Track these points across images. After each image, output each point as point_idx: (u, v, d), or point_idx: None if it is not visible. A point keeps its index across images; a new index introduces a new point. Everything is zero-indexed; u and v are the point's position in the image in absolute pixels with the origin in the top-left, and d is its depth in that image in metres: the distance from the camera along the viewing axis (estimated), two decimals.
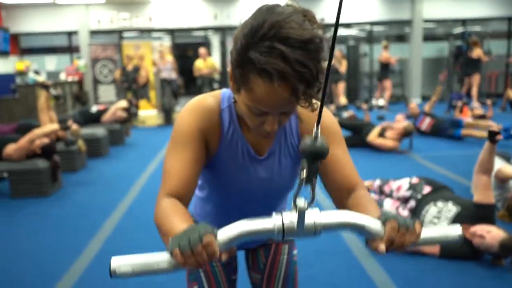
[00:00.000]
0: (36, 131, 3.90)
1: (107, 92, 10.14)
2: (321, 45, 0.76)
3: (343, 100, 9.05)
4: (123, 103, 6.62)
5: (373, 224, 0.74)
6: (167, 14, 10.25)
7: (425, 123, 6.10)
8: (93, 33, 10.43)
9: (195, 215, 1.18)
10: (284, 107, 0.83)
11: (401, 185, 2.99)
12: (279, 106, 0.82)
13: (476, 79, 8.84)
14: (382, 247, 0.72)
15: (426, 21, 11.01)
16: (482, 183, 2.52)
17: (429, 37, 11.82)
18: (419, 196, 2.84)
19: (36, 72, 8.75)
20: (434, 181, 2.97)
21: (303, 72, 0.75)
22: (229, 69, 0.86)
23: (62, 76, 9.56)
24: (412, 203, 2.85)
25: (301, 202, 0.69)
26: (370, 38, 11.70)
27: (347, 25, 11.09)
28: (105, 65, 10.13)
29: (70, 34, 10.65)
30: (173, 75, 8.49)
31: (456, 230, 0.77)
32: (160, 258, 0.70)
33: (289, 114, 0.88)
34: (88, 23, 10.25)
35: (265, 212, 1.05)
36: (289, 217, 0.70)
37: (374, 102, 10.07)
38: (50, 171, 3.97)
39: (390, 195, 3.08)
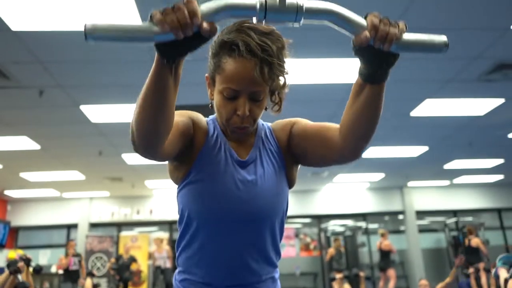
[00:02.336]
0: None
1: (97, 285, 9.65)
2: (281, 39, 0.93)
3: None
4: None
5: (357, 16, 0.75)
6: (167, 206, 10.66)
7: None
8: (93, 225, 10.62)
9: (186, 272, 1.08)
10: (252, 85, 0.93)
11: None
12: (248, 82, 0.93)
13: (482, 266, 8.63)
14: (367, 34, 0.73)
15: (419, 212, 11.39)
16: None
17: (425, 228, 12.02)
18: None
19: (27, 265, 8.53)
20: None
21: (265, 46, 0.88)
22: (206, 79, 1.02)
23: (53, 269, 9.28)
24: None
25: None
26: (367, 229, 11.87)
27: (342, 216, 11.41)
28: (100, 257, 9.95)
29: (69, 228, 10.82)
30: (168, 264, 8.31)
31: (441, 37, 0.77)
32: (139, 24, 0.68)
33: (259, 104, 0.97)
34: (89, 216, 10.54)
35: (255, 241, 1.00)
36: None
37: None
38: None
39: None
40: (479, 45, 3.74)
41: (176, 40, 0.68)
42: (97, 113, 5.03)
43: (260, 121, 1.14)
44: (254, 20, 0.73)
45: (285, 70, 0.96)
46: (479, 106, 5.25)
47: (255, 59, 0.89)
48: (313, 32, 3.31)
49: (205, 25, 0.68)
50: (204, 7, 0.69)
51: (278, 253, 1.10)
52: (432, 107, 5.23)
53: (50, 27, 3.24)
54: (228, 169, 1.02)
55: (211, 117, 1.12)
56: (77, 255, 8.15)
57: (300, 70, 4.00)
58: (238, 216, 1.01)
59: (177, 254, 1.10)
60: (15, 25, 3.20)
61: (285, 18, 0.72)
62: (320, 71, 4.13)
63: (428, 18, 3.30)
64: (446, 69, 4.20)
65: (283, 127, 1.12)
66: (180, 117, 0.98)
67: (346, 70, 4.12)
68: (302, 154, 1.08)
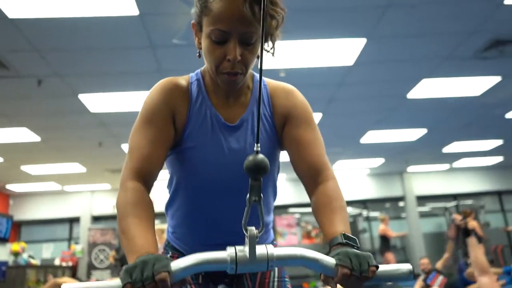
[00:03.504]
0: None
1: (101, 278, 9.77)
2: None
3: None
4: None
5: (327, 262, 0.75)
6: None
7: (438, 282, 5.78)
8: (95, 219, 10.70)
9: (172, 240, 1.12)
10: (242, 24, 0.88)
11: None
12: (238, 22, 0.87)
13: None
14: (336, 280, 0.73)
15: (419, 197, 11.46)
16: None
17: (426, 213, 12.10)
18: None
19: (31, 257, 8.65)
20: None
21: None
22: (192, 26, 0.98)
23: (57, 262, 9.38)
24: None
25: (252, 229, 0.72)
26: (368, 216, 11.96)
27: None
28: (103, 249, 10.05)
29: (72, 221, 10.90)
30: None
31: (407, 266, 0.78)
32: (113, 286, 0.68)
33: (251, 48, 0.91)
34: (91, 209, 10.61)
35: (242, 209, 1.00)
36: (242, 249, 0.72)
37: None
38: None
39: None
40: (474, 20, 3.76)
41: None
42: (96, 102, 5.07)
43: (256, 75, 1.08)
44: (228, 270, 0.72)
45: (278, 10, 0.90)
46: (476, 85, 5.28)
47: None
48: (307, 13, 3.34)
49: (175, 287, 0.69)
50: (175, 269, 0.69)
51: (269, 214, 1.11)
52: (429, 88, 5.27)
53: (47, 14, 3.26)
54: (215, 136, 0.99)
55: (196, 72, 1.06)
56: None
57: (295, 53, 4.04)
58: (226, 185, 1.00)
59: (167, 215, 1.13)
60: (12, 13, 3.23)
61: (257, 268, 0.72)
62: (316, 54, 4.16)
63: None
64: (441, 47, 4.23)
65: (282, 103, 1.05)
66: (153, 137, 0.95)
67: (343, 51, 4.16)
68: (286, 150, 1.06)
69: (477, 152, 9.28)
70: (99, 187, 10.45)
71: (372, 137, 7.45)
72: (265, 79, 1.09)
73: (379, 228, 9.68)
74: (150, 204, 0.89)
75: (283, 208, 11.03)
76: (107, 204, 10.64)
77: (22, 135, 6.06)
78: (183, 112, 1.00)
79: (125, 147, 7.09)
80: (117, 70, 4.29)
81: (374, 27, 3.73)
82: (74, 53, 3.91)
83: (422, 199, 11.68)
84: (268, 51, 0.96)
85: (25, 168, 8.02)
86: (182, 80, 1.03)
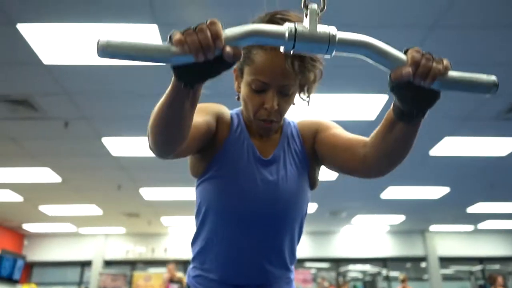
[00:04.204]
0: None
1: None
2: None
3: None
4: None
5: (395, 50, 0.70)
6: (181, 244, 10.59)
7: None
8: (107, 263, 10.60)
9: (200, 269, 1.09)
10: (282, 78, 0.94)
11: None
12: (278, 75, 0.93)
13: None
14: (408, 69, 0.67)
15: (442, 259, 11.02)
16: None
17: (450, 276, 11.58)
18: None
19: None
20: None
21: None
22: (234, 71, 1.02)
23: None
24: None
25: (313, 5, 0.68)
26: (387, 275, 11.50)
27: (361, 260, 11.12)
28: None
29: (83, 265, 10.81)
30: None
31: (490, 77, 0.71)
32: (156, 43, 0.64)
33: (287, 98, 0.96)
34: (104, 253, 10.54)
35: (271, 243, 1.00)
36: (302, 25, 0.68)
37: None
38: None
39: None
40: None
41: (195, 63, 0.64)
42: (118, 146, 5.19)
43: (286, 118, 1.13)
44: (282, 49, 0.69)
45: (317, 65, 0.95)
46: (500, 146, 5.22)
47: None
48: (331, 68, 3.43)
49: (228, 49, 0.63)
50: (228, 32, 0.65)
51: (294, 256, 1.11)
52: (451, 146, 5.22)
53: (79, 61, 3.45)
54: (250, 166, 1.02)
55: (235, 110, 1.11)
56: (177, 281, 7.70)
57: (318, 106, 4.11)
58: (256, 216, 1.01)
59: (192, 250, 1.12)
60: (47, 59, 3.42)
61: (315, 49, 0.68)
62: (338, 108, 4.22)
63: (443, 54, 3.38)
64: (464, 107, 4.24)
65: (309, 127, 1.11)
66: (201, 115, 0.97)
67: (365, 106, 4.21)
68: (325, 158, 1.08)
69: (502, 214, 8.98)
70: (114, 231, 10.44)
71: (393, 192, 7.33)
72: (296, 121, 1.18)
73: None
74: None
75: (299, 262, 10.73)
76: (121, 249, 10.57)
77: (44, 175, 6.20)
78: (224, 131, 1.04)
79: (143, 191, 7.15)
80: (141, 115, 4.42)
81: None
82: (102, 97, 4.07)
83: (446, 261, 11.21)
84: (304, 100, 1.02)
85: (43, 208, 8.12)
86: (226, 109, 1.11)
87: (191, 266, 1.13)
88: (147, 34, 3.09)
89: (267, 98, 0.95)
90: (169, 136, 0.81)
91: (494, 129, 4.75)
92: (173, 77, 0.72)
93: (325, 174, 5.37)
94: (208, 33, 0.62)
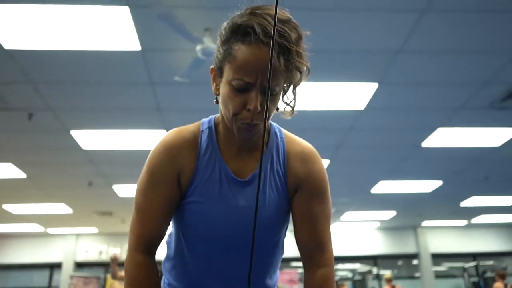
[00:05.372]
0: None
1: None
2: (299, 29, 0.90)
3: None
4: None
5: None
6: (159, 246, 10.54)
7: None
8: (78, 265, 10.49)
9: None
10: (266, 75, 0.88)
11: None
12: (262, 72, 0.88)
13: None
14: None
15: (434, 255, 11.23)
16: None
17: (442, 273, 11.81)
18: None
19: None
20: None
21: (283, 32, 0.86)
22: (211, 71, 0.99)
23: None
24: None
25: None
26: (378, 274, 11.67)
27: (350, 259, 11.26)
28: None
29: (52, 268, 10.68)
30: None
31: None
32: None
33: (273, 99, 0.92)
34: (75, 254, 10.43)
35: (244, 269, 1.01)
36: None
37: None
38: None
39: None
40: (489, 70, 3.84)
41: None
42: (89, 139, 5.11)
43: (273, 125, 1.09)
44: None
45: (304, 62, 0.91)
46: (494, 136, 5.31)
47: (270, 42, 0.84)
48: (317, 55, 3.42)
49: None
50: None
51: (274, 275, 1.12)
52: (444, 137, 5.30)
53: (45, 46, 3.36)
54: (223, 191, 1.00)
55: (208, 119, 1.07)
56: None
57: (304, 95, 4.10)
58: (228, 243, 1.01)
59: (163, 270, 1.14)
60: (8, 44, 3.33)
61: None
62: (325, 97, 4.23)
63: (436, 40, 3.42)
64: (457, 95, 4.29)
65: (299, 167, 1.05)
66: (162, 207, 1.01)
67: (353, 95, 4.22)
68: (291, 212, 1.08)
69: (497, 207, 9.18)
70: (86, 231, 10.33)
71: (383, 187, 7.42)
72: (284, 131, 1.10)
73: None
74: (157, 282, 0.99)
75: (285, 262, 10.81)
76: (93, 250, 10.47)
77: (7, 171, 6.08)
78: (190, 166, 1.01)
79: (116, 188, 7.07)
80: (113, 106, 4.35)
81: (386, 72, 3.81)
82: (69, 86, 3.99)
83: (438, 258, 11.43)
84: (288, 104, 0.98)
85: (6, 207, 7.98)
86: (191, 130, 1.05)
87: (163, 279, 1.14)
88: (118, 17, 3.03)
89: (250, 98, 0.90)
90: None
91: (488, 119, 4.83)
92: None
93: None
94: None
